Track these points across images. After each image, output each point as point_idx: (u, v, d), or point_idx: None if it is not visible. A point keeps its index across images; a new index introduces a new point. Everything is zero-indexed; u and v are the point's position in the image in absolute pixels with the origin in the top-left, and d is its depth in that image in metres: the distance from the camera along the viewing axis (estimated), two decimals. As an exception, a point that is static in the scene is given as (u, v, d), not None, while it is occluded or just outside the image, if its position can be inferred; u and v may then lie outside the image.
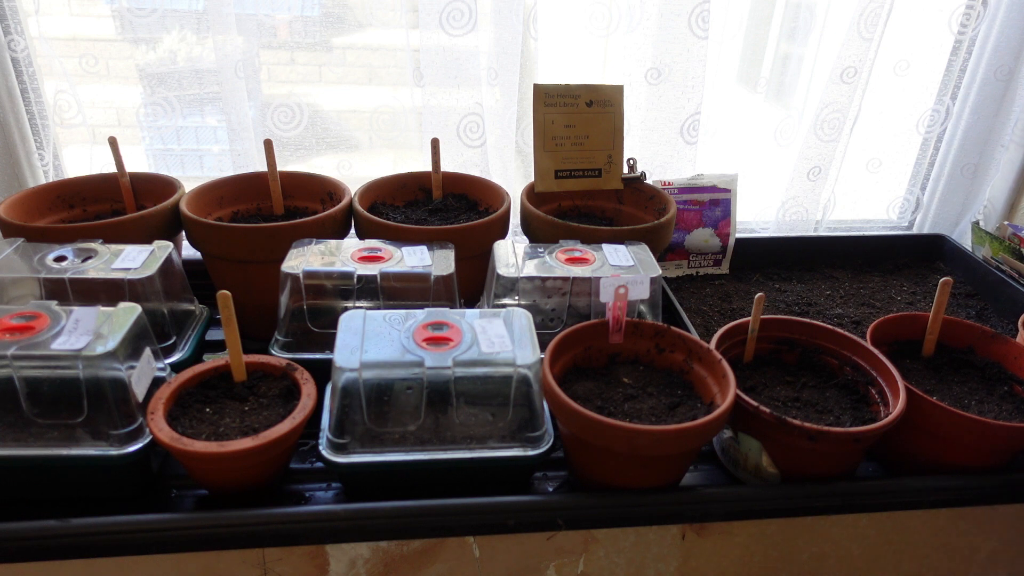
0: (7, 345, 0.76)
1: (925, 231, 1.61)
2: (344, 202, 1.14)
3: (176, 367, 0.92)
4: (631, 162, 1.29)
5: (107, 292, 0.92)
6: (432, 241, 1.04)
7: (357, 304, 0.96)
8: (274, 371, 0.88)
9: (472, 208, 1.24)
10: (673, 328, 0.93)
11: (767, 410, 0.81)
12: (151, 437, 0.78)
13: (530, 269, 0.98)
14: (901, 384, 0.86)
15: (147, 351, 0.84)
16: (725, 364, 0.86)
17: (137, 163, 1.29)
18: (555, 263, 1.00)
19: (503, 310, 0.89)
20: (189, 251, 1.14)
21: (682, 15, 1.27)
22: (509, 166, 1.40)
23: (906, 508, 0.88)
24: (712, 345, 0.90)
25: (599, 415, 0.76)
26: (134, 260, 0.95)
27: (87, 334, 0.79)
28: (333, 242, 1.03)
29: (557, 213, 1.26)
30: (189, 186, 1.17)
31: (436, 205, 1.23)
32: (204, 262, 1.12)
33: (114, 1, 1.24)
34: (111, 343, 0.78)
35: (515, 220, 1.23)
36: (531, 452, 0.81)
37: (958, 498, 0.88)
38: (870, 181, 1.57)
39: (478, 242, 1.09)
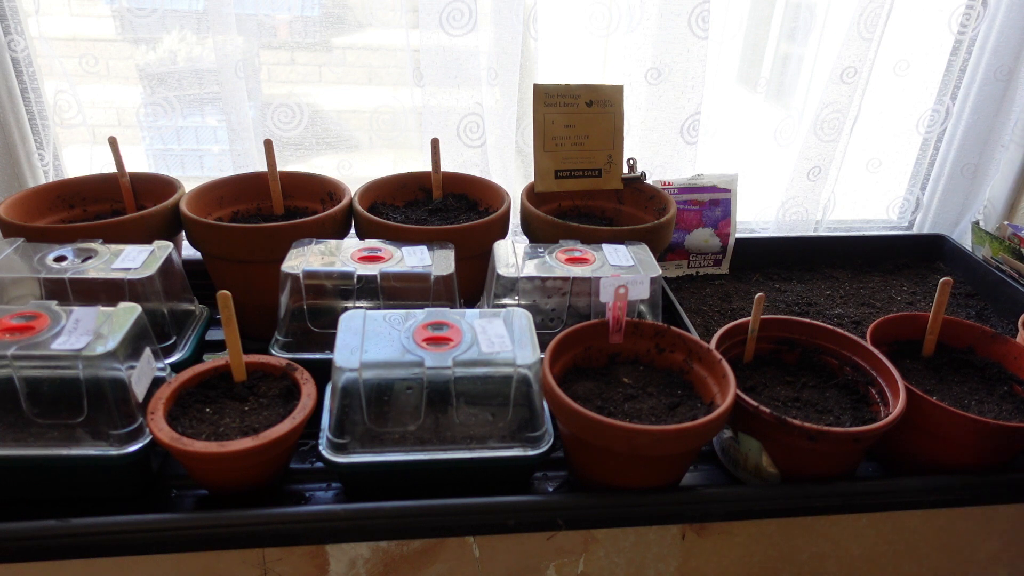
0: (7, 345, 0.76)
1: (925, 231, 1.61)
2: (344, 202, 1.14)
3: (176, 367, 0.92)
4: (631, 162, 1.29)
5: (107, 292, 0.92)
6: (432, 241, 1.04)
7: (357, 304, 0.96)
8: (274, 371, 0.88)
9: (472, 208, 1.24)
10: (673, 328, 0.93)
11: (767, 410, 0.81)
12: (151, 437, 0.78)
13: (530, 269, 0.98)
14: (901, 384, 0.86)
15: (147, 351, 0.84)
16: (725, 364, 0.86)
17: (137, 163, 1.29)
18: (555, 263, 1.00)
19: (503, 310, 0.89)
20: (189, 251, 1.14)
21: (682, 15, 1.27)
22: (509, 166, 1.40)
23: (906, 508, 0.88)
24: (712, 345, 0.90)
25: (599, 415, 0.76)
26: (134, 260, 0.95)
27: (87, 334, 0.79)
28: (333, 242, 1.03)
29: (557, 213, 1.26)
30: (189, 186, 1.17)
31: (436, 205, 1.23)
32: (204, 262, 1.12)
33: (114, 1, 1.24)
34: (111, 343, 0.78)
35: (515, 220, 1.23)
36: (531, 452, 0.81)
37: (958, 498, 0.88)
38: (870, 181, 1.57)
39: (478, 242, 1.09)
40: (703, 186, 1.36)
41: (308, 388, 0.83)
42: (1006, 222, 1.46)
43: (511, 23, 1.25)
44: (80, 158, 1.34)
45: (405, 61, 1.30)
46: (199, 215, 1.09)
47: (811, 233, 1.53)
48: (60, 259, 0.95)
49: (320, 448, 0.80)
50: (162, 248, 0.99)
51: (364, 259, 0.98)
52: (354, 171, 1.40)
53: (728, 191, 1.37)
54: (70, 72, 1.26)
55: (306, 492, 0.87)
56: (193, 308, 1.05)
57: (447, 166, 1.28)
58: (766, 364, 0.97)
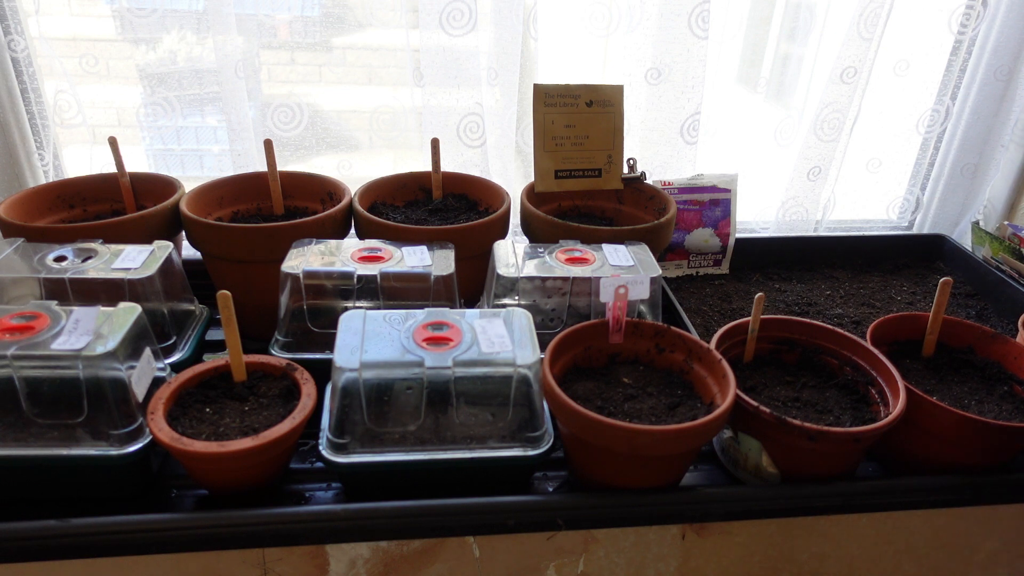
0: (7, 345, 0.76)
1: (925, 231, 1.61)
2: (344, 202, 1.14)
3: (176, 367, 0.92)
4: (631, 162, 1.29)
5: (107, 292, 0.92)
6: (432, 241, 1.04)
7: (357, 304, 0.96)
8: (274, 371, 0.88)
9: (472, 208, 1.24)
10: (673, 328, 0.93)
11: (767, 410, 0.81)
12: (151, 437, 0.78)
13: (530, 269, 0.98)
14: (901, 384, 0.86)
15: (147, 351, 0.84)
16: (725, 364, 0.86)
17: (137, 163, 1.29)
18: (555, 263, 1.00)
19: (503, 310, 0.89)
20: (189, 251, 1.14)
21: (682, 15, 1.27)
22: (509, 166, 1.40)
23: (906, 508, 0.88)
24: (712, 345, 0.90)
25: (599, 415, 0.76)
26: (134, 260, 0.95)
27: (87, 334, 0.79)
28: (333, 242, 1.03)
29: (557, 213, 1.26)
30: (189, 186, 1.17)
31: (436, 205, 1.23)
32: (204, 262, 1.12)
33: (114, 1, 1.24)
34: (111, 343, 0.78)
35: (515, 220, 1.23)
36: (531, 452, 0.81)
37: (958, 498, 0.88)
38: (870, 181, 1.57)
39: (478, 242, 1.09)
40: (703, 186, 1.36)
41: (308, 388, 0.83)
42: (1006, 222, 1.46)
43: (511, 23, 1.25)
44: (80, 158, 1.34)
45: (405, 61, 1.30)
46: (199, 215, 1.09)
47: (811, 233, 1.53)
48: (60, 259, 0.95)
49: (320, 448, 0.80)
50: (162, 248, 0.99)
51: (364, 259, 0.98)
52: (354, 171, 1.40)
53: (728, 191, 1.37)
54: (70, 72, 1.26)
55: (306, 492, 0.87)
56: (193, 308, 1.05)
57: (447, 166, 1.28)
58: (766, 364, 0.97)
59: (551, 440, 0.83)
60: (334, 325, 0.85)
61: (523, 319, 0.87)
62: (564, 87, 1.22)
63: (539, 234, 1.14)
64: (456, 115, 1.32)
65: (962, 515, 0.92)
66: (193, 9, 1.24)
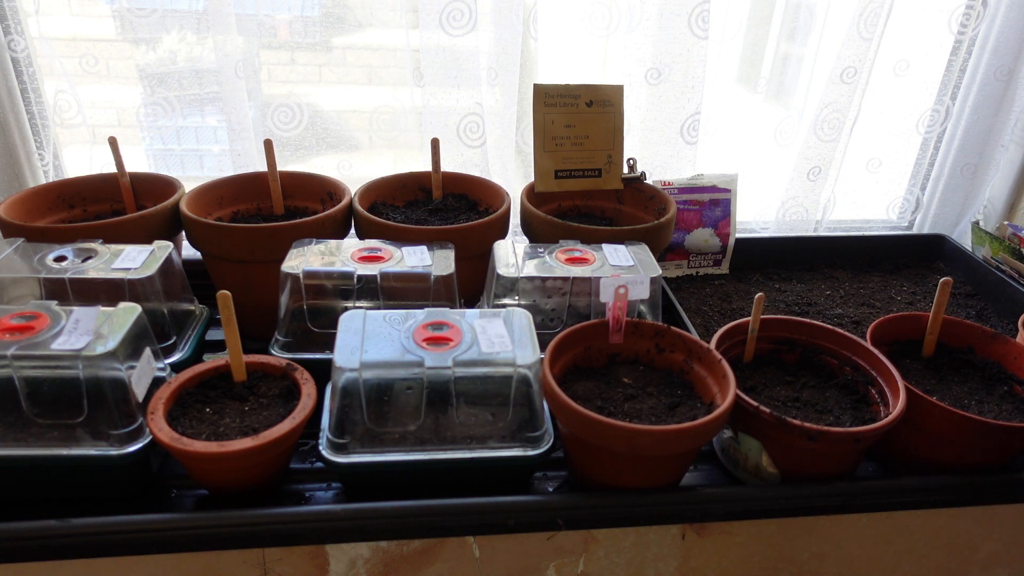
0: (7, 345, 0.76)
1: (925, 231, 1.61)
2: (344, 202, 1.14)
3: (176, 367, 0.92)
4: (631, 162, 1.29)
5: (107, 292, 0.92)
6: (432, 241, 1.04)
7: (357, 304, 0.96)
8: (274, 371, 0.88)
9: (472, 208, 1.24)
10: (673, 328, 0.93)
11: (767, 410, 0.81)
12: (151, 437, 0.78)
13: (530, 269, 0.98)
14: (901, 384, 0.86)
15: (147, 351, 0.84)
16: (725, 364, 0.86)
17: (137, 163, 1.29)
18: (555, 263, 1.00)
19: (503, 310, 0.89)
20: (189, 251, 1.14)
21: (682, 15, 1.27)
22: (509, 166, 1.40)
23: (906, 508, 0.88)
24: (712, 345, 0.90)
25: (599, 415, 0.76)
26: (134, 260, 0.95)
27: (87, 334, 0.79)
28: (333, 242, 1.03)
29: (557, 213, 1.26)
30: (189, 186, 1.17)
31: (436, 205, 1.23)
32: (204, 262, 1.12)
33: (114, 1, 1.24)
34: (111, 343, 0.78)
35: (515, 220, 1.23)
36: (531, 452, 0.81)
37: (958, 498, 0.88)
38: (870, 181, 1.57)
39: (478, 242, 1.09)
40: (703, 186, 1.36)
41: (308, 388, 0.83)
42: (1006, 222, 1.46)
43: (511, 23, 1.25)
44: (80, 158, 1.34)
45: (405, 61, 1.30)
46: (199, 215, 1.09)
47: (811, 233, 1.53)
48: (60, 259, 0.95)
49: (320, 448, 0.80)
50: (162, 248, 0.99)
51: (364, 259, 0.98)
52: (354, 171, 1.40)
53: (728, 191, 1.37)
54: (70, 72, 1.26)
55: (306, 492, 0.87)
56: (193, 308, 1.05)
57: (447, 166, 1.28)
58: (766, 364, 0.97)
59: (551, 440, 0.83)
60: (334, 325, 0.85)
61: (523, 319, 0.87)
62: (564, 87, 1.22)
63: (539, 234, 1.14)
64: (456, 115, 1.32)
65: (962, 515, 0.92)
66: (193, 9, 1.24)
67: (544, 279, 0.98)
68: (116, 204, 1.20)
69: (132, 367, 0.80)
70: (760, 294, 0.90)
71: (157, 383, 0.84)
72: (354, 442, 0.80)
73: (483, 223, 1.10)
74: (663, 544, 0.87)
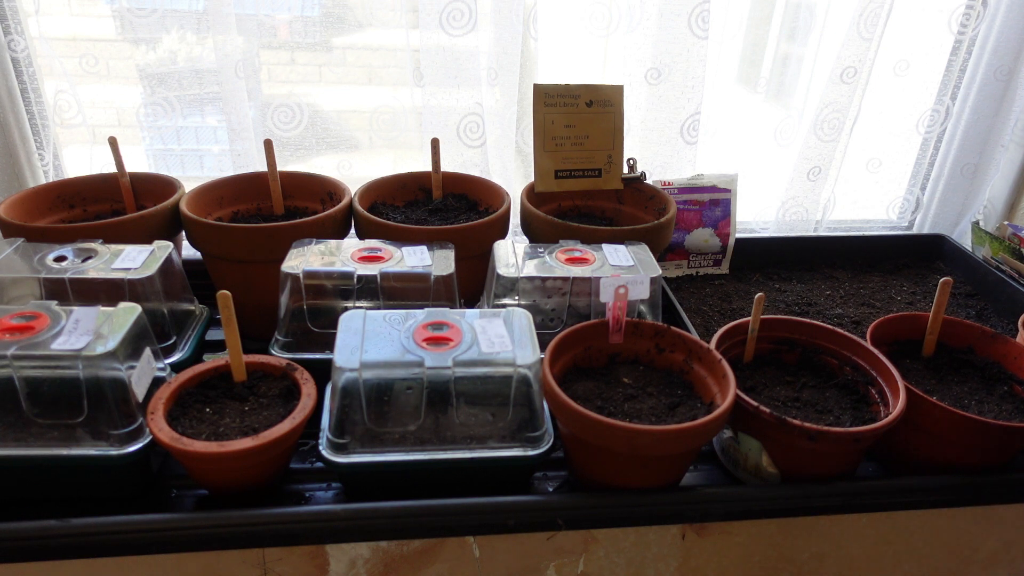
0: (7, 345, 0.76)
1: (925, 231, 1.61)
2: (344, 202, 1.14)
3: (176, 367, 0.92)
4: (631, 162, 1.29)
5: (107, 292, 0.92)
6: (432, 241, 1.04)
7: (357, 304, 0.96)
8: (274, 371, 0.88)
9: (472, 208, 1.24)
10: (673, 328, 0.93)
11: (767, 410, 0.81)
12: (151, 437, 0.78)
13: (530, 269, 0.98)
14: (901, 384, 0.86)
15: (147, 351, 0.84)
16: (725, 364, 0.86)
17: (137, 163, 1.29)
18: (555, 263, 1.00)
19: (503, 310, 0.89)
20: (189, 251, 1.14)
21: (682, 15, 1.27)
22: (509, 166, 1.40)
23: (906, 508, 0.88)
24: (712, 345, 0.90)
25: (599, 415, 0.76)
26: (134, 260, 0.95)
27: (87, 334, 0.79)
28: (333, 242, 1.03)
29: (557, 213, 1.26)
30: (189, 186, 1.17)
31: (436, 205, 1.23)
32: (204, 262, 1.12)
33: (114, 1, 1.24)
34: (111, 343, 0.78)
35: (515, 220, 1.23)
36: (531, 452, 0.81)
37: (958, 498, 0.88)
38: (870, 181, 1.57)
39: (478, 242, 1.09)
40: (703, 186, 1.36)
41: (308, 388, 0.83)
42: (1006, 222, 1.46)
43: (511, 23, 1.25)
44: (80, 158, 1.34)
45: (405, 61, 1.30)
46: (199, 215, 1.09)
47: (811, 233, 1.53)
48: (60, 259, 0.95)
49: (320, 448, 0.80)
50: (162, 248, 0.99)
51: (364, 259, 0.98)
52: (354, 171, 1.40)
53: (728, 191, 1.37)
54: (70, 72, 1.26)
55: (306, 492, 0.87)
56: (193, 308, 1.05)
57: (447, 166, 1.28)
58: (766, 364, 0.97)
59: (551, 440, 0.83)
60: (334, 325, 0.85)
61: (523, 319, 0.87)
62: (564, 87, 1.22)
63: (539, 234, 1.14)
64: (456, 115, 1.32)
65: (962, 515, 0.92)
66: (193, 9, 1.24)
67: (544, 279, 0.98)
68: (116, 204, 1.20)
69: (132, 367, 0.80)
70: (760, 294, 0.90)
71: (157, 383, 0.84)
72: (354, 442, 0.80)
73: (483, 223, 1.10)
74: (663, 544, 0.87)
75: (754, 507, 0.84)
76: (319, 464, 0.88)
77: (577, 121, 1.24)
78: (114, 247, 0.98)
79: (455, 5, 1.21)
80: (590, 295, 0.98)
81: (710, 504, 0.83)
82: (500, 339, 0.83)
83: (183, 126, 1.35)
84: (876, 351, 0.92)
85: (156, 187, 1.18)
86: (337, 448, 0.79)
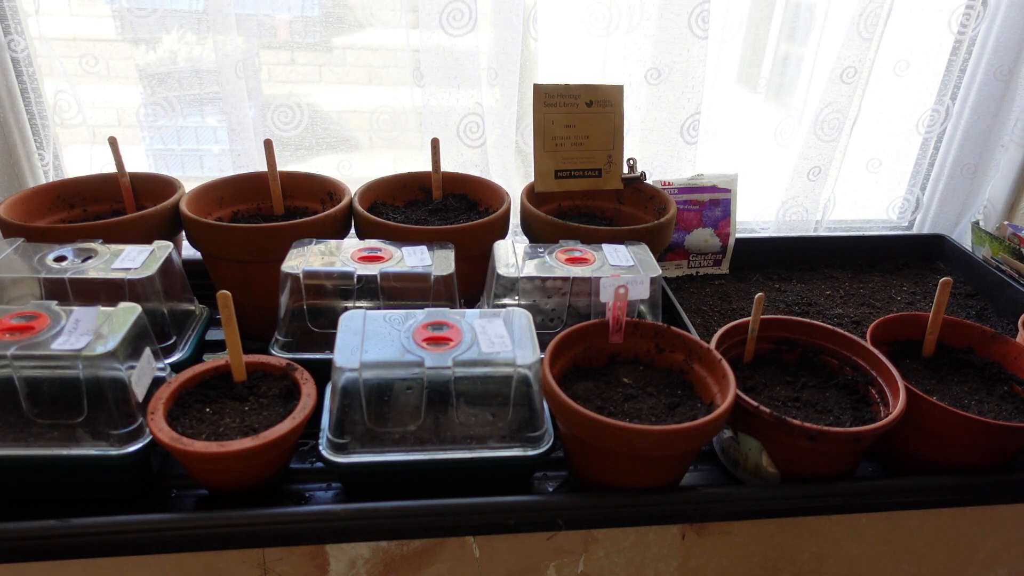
0: (7, 345, 0.76)
1: (925, 231, 1.61)
2: (344, 202, 1.14)
3: (176, 367, 0.92)
4: (631, 162, 1.29)
5: (107, 292, 0.92)
6: (432, 241, 1.04)
7: (357, 304, 0.96)
8: (274, 371, 0.88)
9: (472, 208, 1.24)
10: (673, 328, 0.93)
11: (767, 410, 0.81)
12: (151, 437, 0.78)
13: (530, 269, 0.98)
14: (901, 384, 0.86)
15: (147, 351, 0.84)
16: (725, 364, 0.86)
17: (137, 163, 1.29)
18: (555, 263, 1.00)
19: (503, 310, 0.89)
20: (189, 251, 1.14)
21: (682, 15, 1.27)
22: (509, 166, 1.40)
23: (906, 508, 0.88)
24: (712, 345, 0.90)
25: (599, 415, 0.76)
26: (134, 260, 0.95)
27: (87, 334, 0.79)
28: (333, 242, 1.03)
29: (557, 213, 1.26)
30: (189, 186, 1.17)
31: (436, 205, 1.23)
32: (204, 262, 1.12)
33: (114, 1, 1.24)
34: (111, 343, 0.78)
35: (515, 220, 1.23)
36: (531, 452, 0.81)
37: (958, 498, 0.88)
38: (870, 181, 1.57)
39: (478, 242, 1.09)
40: (703, 186, 1.36)
41: (308, 388, 0.83)
42: (1006, 222, 1.46)
43: (511, 23, 1.25)
44: (80, 158, 1.34)
45: (405, 61, 1.30)
46: (199, 215, 1.09)
47: (811, 233, 1.53)
48: (60, 259, 0.95)
49: (320, 448, 0.80)
50: (162, 248, 0.99)
51: (364, 259, 0.98)
52: (354, 171, 1.40)
53: (728, 191, 1.37)
54: (70, 72, 1.26)
55: (306, 492, 0.87)
56: (193, 308, 1.05)
57: (447, 166, 1.28)
58: (766, 364, 0.97)
59: (551, 440, 0.83)
60: (334, 325, 0.85)
61: (523, 319, 0.87)
62: (564, 87, 1.22)
63: (539, 234, 1.14)
64: (456, 115, 1.32)
65: (962, 515, 0.92)
66: (193, 9, 1.24)
67: (544, 279, 0.98)
68: (116, 204, 1.20)
69: (132, 367, 0.80)
70: (760, 294, 0.90)
71: (157, 383, 0.84)
72: (354, 442, 0.80)
73: (483, 223, 1.10)
74: (663, 544, 0.87)
75: (754, 507, 0.84)
76: (319, 464, 0.88)
77: (577, 121, 1.24)
78: (114, 247, 0.98)
79: (455, 5, 1.21)
80: (590, 295, 0.98)
81: (710, 504, 0.83)
82: (500, 339, 0.83)
83: (183, 126, 1.35)
84: (876, 351, 0.92)
85: (156, 187, 1.18)
86: (337, 448, 0.79)
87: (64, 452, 0.77)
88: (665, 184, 1.34)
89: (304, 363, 0.88)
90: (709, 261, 1.40)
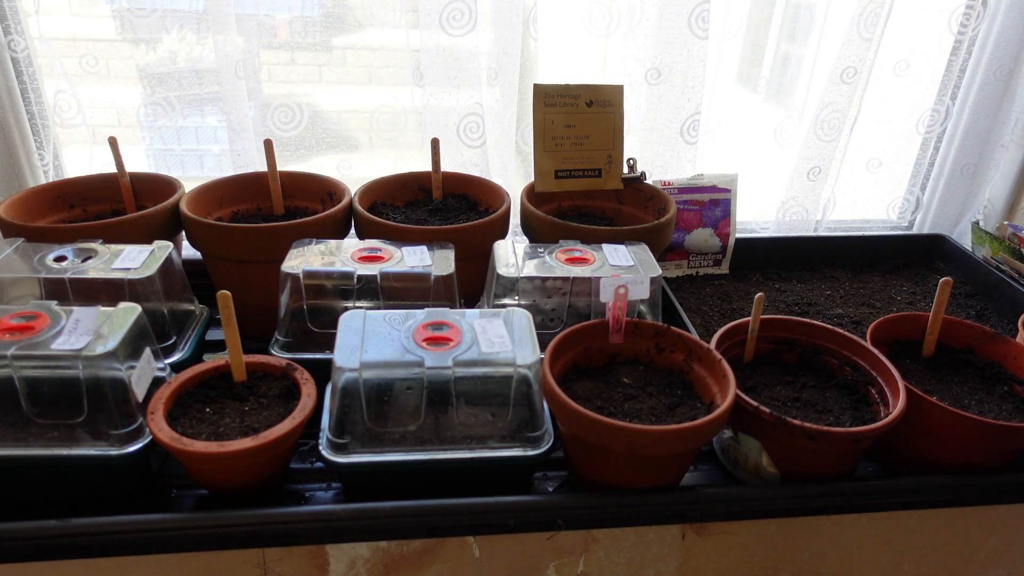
0: (7, 345, 0.76)
1: (925, 231, 1.61)
2: (344, 202, 1.14)
3: (176, 367, 0.92)
4: (631, 162, 1.29)
5: (107, 292, 0.92)
6: (432, 241, 1.04)
7: (357, 304, 0.96)
8: (274, 371, 0.88)
9: (472, 208, 1.24)
10: (673, 328, 0.93)
11: (767, 410, 0.81)
12: (151, 437, 0.78)
13: (530, 269, 0.98)
14: (901, 384, 0.86)
15: (147, 351, 0.84)
16: (725, 364, 0.86)
17: (137, 163, 1.29)
18: (555, 263, 1.00)
19: (503, 310, 0.89)
20: (189, 251, 1.14)
21: (682, 15, 1.27)
22: (509, 166, 1.40)
23: (906, 508, 0.88)
24: (712, 345, 0.90)
25: (599, 415, 0.76)
26: (134, 260, 0.95)
27: (87, 334, 0.79)
28: (333, 242, 1.03)
29: (557, 213, 1.26)
30: (189, 186, 1.17)
31: (436, 205, 1.23)
32: (204, 262, 1.12)
33: (114, 1, 1.24)
34: (111, 343, 0.78)
35: (515, 220, 1.23)
36: (531, 452, 0.81)
37: (958, 498, 0.88)
38: (870, 181, 1.57)
39: (478, 242, 1.09)
40: (703, 186, 1.36)
41: (308, 388, 0.83)
42: (1006, 222, 1.46)
43: (511, 23, 1.25)
44: (80, 158, 1.34)
45: (405, 61, 1.30)
46: (199, 215, 1.09)
47: (811, 233, 1.53)
48: (60, 259, 0.95)
49: (320, 448, 0.80)
50: (162, 248, 0.99)
51: (364, 259, 0.98)
52: (354, 171, 1.40)
53: (728, 191, 1.37)
54: (70, 72, 1.26)
55: (306, 492, 0.87)
56: (193, 308, 1.05)
57: (447, 166, 1.28)
58: (766, 364, 0.97)
59: (551, 440, 0.83)
60: (334, 325, 0.85)
61: (523, 319, 0.87)
62: (564, 87, 1.22)
63: (539, 234, 1.14)
64: (456, 115, 1.32)
65: (962, 515, 0.92)
66: (193, 9, 1.24)
67: (544, 279, 0.98)
68: (116, 204, 1.20)
69: (132, 367, 0.80)
70: (760, 294, 0.90)
71: (157, 383, 0.84)
72: (354, 442, 0.80)
73: (483, 223, 1.10)
74: (663, 544, 0.87)
75: (754, 507, 0.84)
76: (319, 464, 0.88)
77: (577, 121, 1.24)
78: (114, 247, 0.98)
79: (455, 5, 1.21)
80: (590, 295, 0.98)
81: (710, 504, 0.83)
82: (500, 339, 0.83)
83: (183, 126, 1.35)
84: (876, 351, 0.92)
85: (156, 187, 1.18)
86: (337, 448, 0.79)
87: (64, 452, 0.77)
88: (665, 184, 1.34)
89: (304, 363, 0.88)
90: (709, 261, 1.40)
